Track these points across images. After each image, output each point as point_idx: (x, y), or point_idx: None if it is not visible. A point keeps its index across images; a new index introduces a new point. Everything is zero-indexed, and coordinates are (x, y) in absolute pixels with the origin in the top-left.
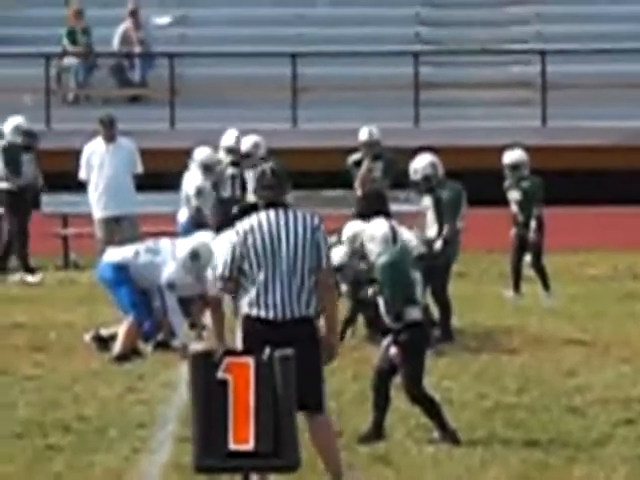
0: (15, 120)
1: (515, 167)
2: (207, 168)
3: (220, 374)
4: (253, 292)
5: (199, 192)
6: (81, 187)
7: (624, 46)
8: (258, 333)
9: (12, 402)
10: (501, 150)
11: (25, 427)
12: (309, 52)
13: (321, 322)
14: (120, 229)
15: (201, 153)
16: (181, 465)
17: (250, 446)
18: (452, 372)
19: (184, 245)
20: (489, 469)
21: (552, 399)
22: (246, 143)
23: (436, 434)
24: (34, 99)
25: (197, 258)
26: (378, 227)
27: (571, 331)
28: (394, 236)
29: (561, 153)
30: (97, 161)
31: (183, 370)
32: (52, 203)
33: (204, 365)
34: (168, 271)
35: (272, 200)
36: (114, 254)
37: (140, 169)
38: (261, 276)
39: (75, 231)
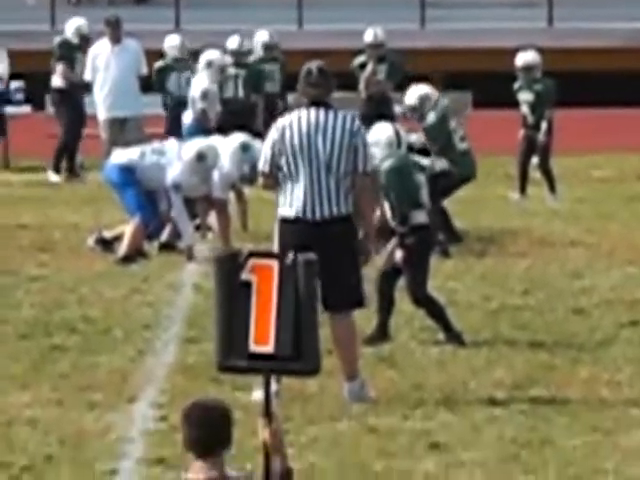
0: (77, 21)
1: (528, 69)
2: (221, 71)
3: (244, 275)
4: (289, 190)
5: (205, 95)
6: (87, 88)
7: None
8: (294, 233)
9: (17, 302)
10: (508, 52)
11: (30, 328)
12: None
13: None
14: (125, 130)
15: (213, 55)
16: (186, 366)
17: (270, 348)
18: (457, 274)
19: (191, 146)
20: (494, 370)
21: (557, 300)
22: (233, 42)
23: (441, 335)
24: (38, 0)
25: (203, 159)
26: (382, 131)
27: (577, 233)
28: (399, 140)
29: (567, 54)
30: (103, 62)
31: (188, 271)
32: None
33: (229, 266)
34: (174, 172)
35: (316, 98)
36: (120, 155)
37: (145, 70)
38: (297, 174)
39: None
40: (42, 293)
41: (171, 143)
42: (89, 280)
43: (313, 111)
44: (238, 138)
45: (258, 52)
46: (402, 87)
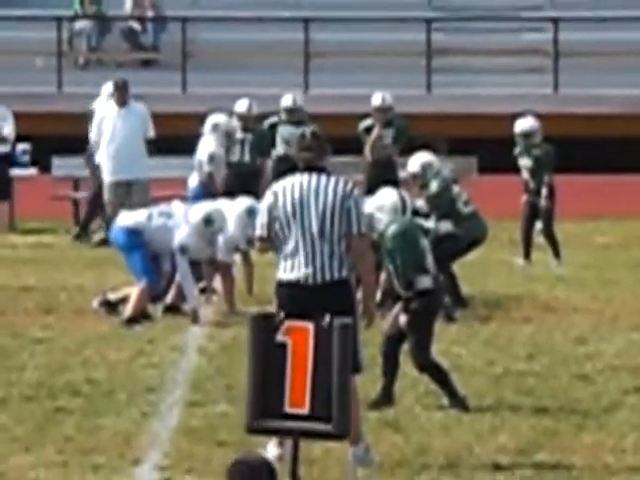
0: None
1: (527, 135)
2: (227, 135)
3: (280, 337)
4: (284, 255)
5: (212, 158)
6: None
7: (636, 14)
8: (290, 297)
9: (22, 365)
10: (513, 117)
11: (35, 390)
12: (322, 17)
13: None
14: (130, 193)
15: (219, 119)
16: (190, 429)
17: (305, 410)
18: (462, 339)
19: (198, 209)
20: (498, 435)
21: (562, 366)
22: (241, 106)
23: (445, 400)
24: (46, 62)
25: (211, 223)
26: (387, 196)
27: (581, 299)
28: (403, 205)
29: (573, 120)
30: (109, 125)
31: (193, 334)
32: (63, 166)
33: (264, 327)
34: (181, 235)
35: (309, 162)
36: (127, 218)
37: (152, 133)
38: (291, 239)
39: (86, 194)
40: (47, 355)
41: (178, 206)
42: (94, 342)
43: (306, 175)
44: (244, 202)
45: (281, 115)
46: (408, 152)
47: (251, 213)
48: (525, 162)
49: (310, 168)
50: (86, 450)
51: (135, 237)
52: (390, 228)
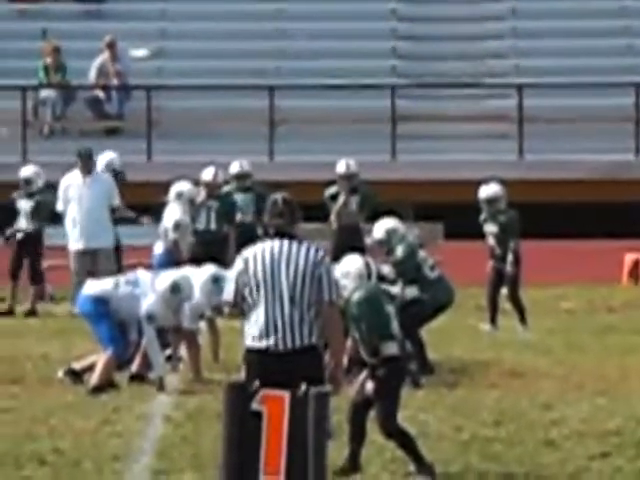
0: (108, 155)
1: (491, 201)
2: (191, 202)
3: (255, 405)
4: (253, 322)
5: (177, 226)
6: (57, 219)
7: (599, 80)
8: (259, 364)
9: None
10: (478, 183)
11: (1, 459)
12: (286, 85)
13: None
14: (96, 262)
15: (184, 187)
16: None
17: (281, 478)
18: (428, 405)
19: (164, 277)
20: None
21: (528, 432)
22: (207, 174)
23: (412, 467)
24: (10, 131)
25: (177, 291)
26: (353, 262)
27: (547, 364)
28: (369, 271)
29: (538, 186)
30: (74, 193)
31: (158, 402)
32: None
33: (239, 395)
34: (148, 302)
35: (280, 229)
36: (94, 286)
37: (117, 202)
38: (261, 305)
39: (51, 263)
40: (13, 425)
41: (144, 274)
42: (60, 411)
43: (277, 242)
44: (209, 270)
45: (232, 183)
46: (374, 219)
47: (216, 281)
48: (490, 228)
49: (281, 234)
50: None
51: (102, 305)
52: (355, 294)
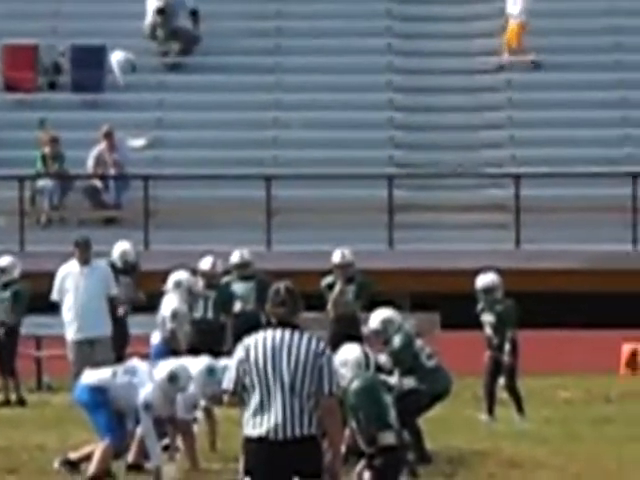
0: (123, 246)
1: (488, 291)
2: (189, 292)
3: None
4: (253, 410)
5: (175, 315)
6: (55, 309)
7: (597, 170)
8: (258, 453)
9: None
10: (475, 273)
11: None
12: (283, 174)
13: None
14: (94, 352)
15: (182, 276)
16: None
17: None
18: None
19: (163, 367)
20: None
21: None
22: (205, 264)
23: None
24: (8, 221)
25: (175, 380)
26: (350, 352)
27: (545, 455)
28: (367, 361)
29: (535, 276)
30: (71, 283)
31: None
32: (26, 325)
33: None
34: (145, 392)
35: (282, 318)
36: (92, 376)
37: (115, 291)
38: (261, 394)
39: (48, 353)
40: None
41: (141, 363)
42: None
43: (279, 331)
44: (204, 360)
45: (232, 273)
46: (370, 308)
47: (211, 372)
48: (487, 318)
49: (283, 324)
50: None
51: (100, 394)
52: (353, 384)
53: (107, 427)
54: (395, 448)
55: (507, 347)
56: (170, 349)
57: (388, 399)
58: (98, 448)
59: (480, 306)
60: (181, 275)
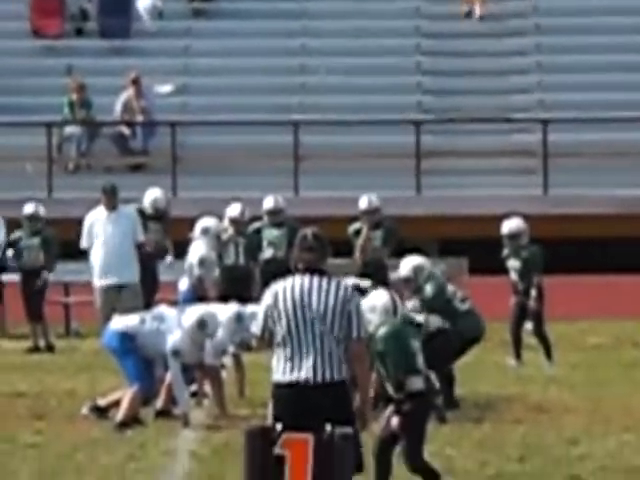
0: (154, 193)
1: (513, 236)
2: (217, 238)
3: (278, 450)
4: (282, 356)
5: (202, 262)
6: (83, 255)
7: (625, 115)
8: (288, 399)
9: (13, 470)
10: (502, 218)
11: None
12: (311, 120)
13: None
14: (121, 298)
15: (209, 223)
16: None
17: None
18: (454, 440)
19: (191, 313)
20: None
21: (554, 467)
22: (234, 210)
23: None
24: (36, 168)
25: (204, 327)
26: (378, 298)
27: (573, 400)
28: (395, 307)
29: (563, 221)
30: (99, 229)
31: (184, 438)
32: (54, 271)
33: (260, 441)
34: (174, 338)
35: (311, 264)
36: (121, 322)
37: (142, 238)
38: (290, 340)
39: (77, 299)
40: (39, 460)
41: (169, 310)
42: (85, 447)
43: (307, 277)
44: (233, 307)
45: (265, 219)
46: (398, 254)
47: (239, 319)
48: (513, 263)
49: (311, 270)
50: None
51: (128, 341)
52: (381, 330)
53: (135, 373)
54: (423, 393)
55: (533, 293)
56: (197, 296)
57: (416, 344)
58: (126, 394)
59: (506, 252)
60: (209, 222)
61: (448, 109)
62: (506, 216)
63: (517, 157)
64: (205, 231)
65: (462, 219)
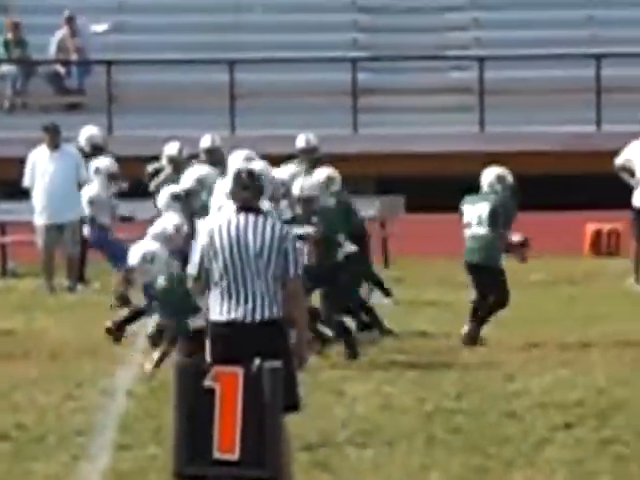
0: (90, 130)
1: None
2: (111, 177)
3: (207, 382)
4: (219, 295)
5: (91, 202)
6: (20, 195)
7: (560, 51)
8: (225, 338)
9: None
10: (439, 156)
11: None
12: (246, 59)
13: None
14: (62, 237)
15: (101, 163)
16: (120, 472)
17: (235, 456)
18: (391, 377)
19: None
20: (429, 473)
21: (490, 404)
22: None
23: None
24: None
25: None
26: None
27: (509, 336)
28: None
29: (499, 159)
30: (41, 168)
31: (121, 377)
32: None
33: (191, 373)
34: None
35: (246, 202)
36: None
37: (85, 176)
38: (227, 279)
39: (14, 239)
40: None
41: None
42: (22, 386)
43: (242, 215)
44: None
45: (201, 157)
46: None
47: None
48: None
49: (246, 208)
50: None
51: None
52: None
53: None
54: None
55: None
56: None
57: None
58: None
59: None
60: (101, 162)
61: (384, 47)
62: (447, 154)
63: (454, 95)
64: (96, 171)
65: (399, 157)
